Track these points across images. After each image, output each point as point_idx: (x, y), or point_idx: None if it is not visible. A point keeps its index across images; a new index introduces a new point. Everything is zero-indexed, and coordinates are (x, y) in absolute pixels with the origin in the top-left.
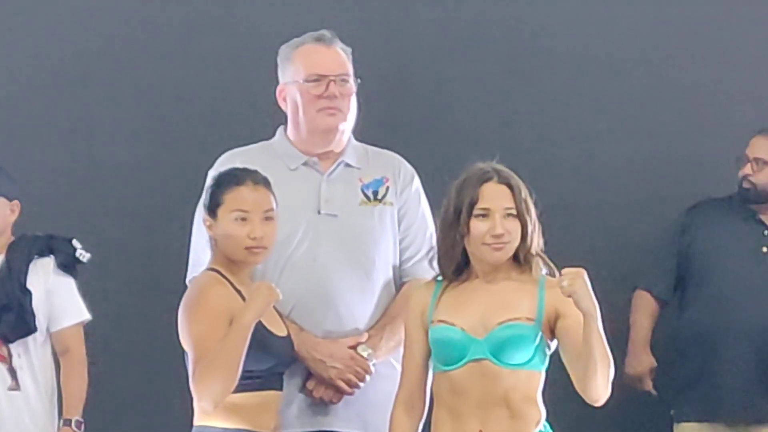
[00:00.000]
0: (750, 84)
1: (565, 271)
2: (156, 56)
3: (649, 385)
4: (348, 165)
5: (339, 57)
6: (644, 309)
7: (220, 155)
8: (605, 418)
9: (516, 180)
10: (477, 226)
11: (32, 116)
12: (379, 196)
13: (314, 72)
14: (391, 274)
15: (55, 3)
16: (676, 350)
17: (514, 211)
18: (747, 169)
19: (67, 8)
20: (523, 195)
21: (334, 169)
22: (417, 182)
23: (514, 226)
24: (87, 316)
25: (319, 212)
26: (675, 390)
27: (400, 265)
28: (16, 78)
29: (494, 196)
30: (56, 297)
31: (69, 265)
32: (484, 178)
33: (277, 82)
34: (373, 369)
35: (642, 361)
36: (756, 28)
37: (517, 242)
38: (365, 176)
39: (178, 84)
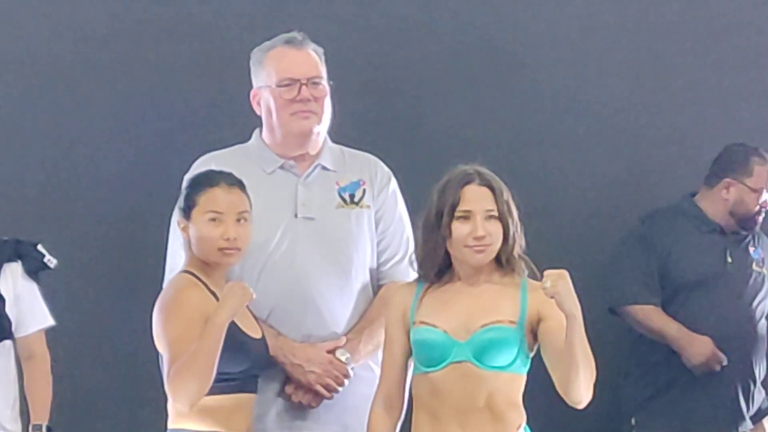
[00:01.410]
0: (727, 92)
1: (547, 272)
2: (133, 60)
3: (722, 357)
4: (324, 168)
5: (310, 59)
6: (655, 312)
7: (196, 159)
8: (588, 421)
9: (498, 182)
10: (458, 228)
11: (9, 118)
12: (356, 199)
13: (286, 76)
14: (368, 276)
15: (38, 6)
16: (642, 361)
17: (495, 213)
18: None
19: (48, 11)
20: (505, 197)
21: (311, 172)
22: (394, 184)
23: (496, 228)
24: (51, 321)
25: (296, 216)
26: (640, 399)
27: (378, 267)
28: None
29: (475, 198)
30: (23, 302)
31: (36, 270)
32: (466, 180)
33: (251, 86)
34: (351, 373)
35: (699, 343)
36: (737, 36)
37: (498, 244)
38: (342, 179)
39: (154, 88)
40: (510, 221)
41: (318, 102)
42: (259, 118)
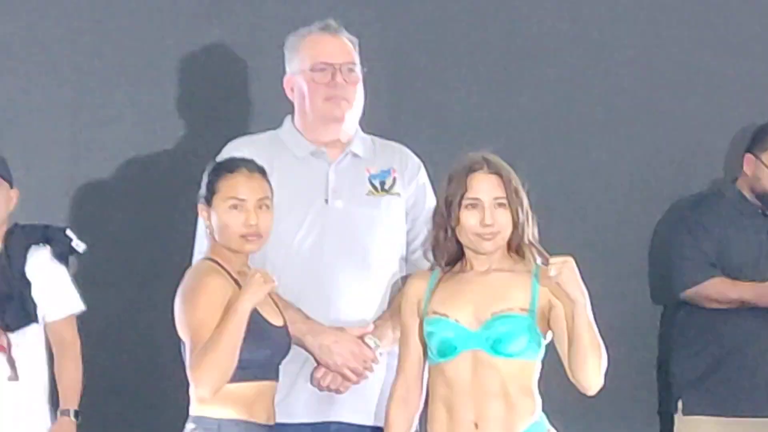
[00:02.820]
0: (741, 80)
1: (553, 259)
2: (160, 44)
3: None
4: (355, 155)
5: (345, 46)
6: (723, 282)
7: (222, 145)
8: (601, 408)
9: (506, 169)
10: (467, 216)
11: (31, 105)
12: (386, 187)
13: (320, 60)
14: (397, 264)
15: None
16: (689, 344)
17: (504, 201)
18: None
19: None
20: (514, 184)
21: (342, 159)
22: (423, 174)
23: (505, 216)
24: (81, 307)
25: (326, 201)
26: (687, 382)
27: (407, 256)
28: (16, 67)
29: (483, 187)
30: (52, 287)
31: (65, 255)
32: (474, 169)
33: (284, 73)
34: (379, 359)
35: None
36: (745, 27)
37: (508, 232)
38: (372, 167)
39: (182, 73)
40: (519, 209)
41: (350, 88)
42: (290, 105)
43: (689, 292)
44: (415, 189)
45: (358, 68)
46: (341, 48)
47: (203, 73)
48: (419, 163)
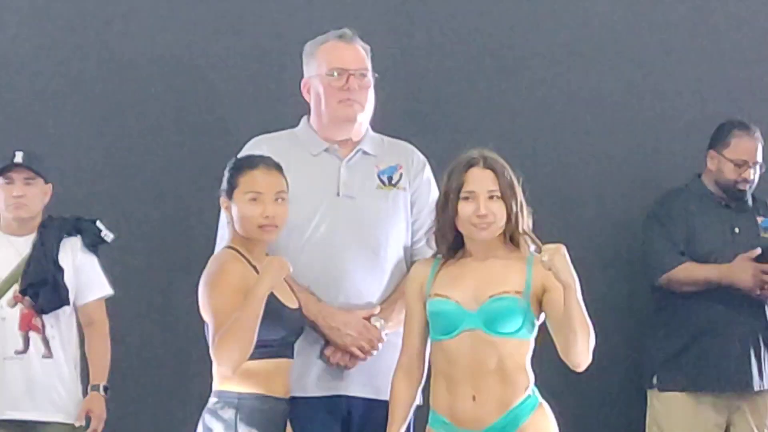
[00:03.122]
0: (718, 83)
1: (545, 246)
2: (186, 48)
3: (766, 267)
4: (366, 153)
5: (359, 53)
6: (692, 265)
7: (243, 142)
8: (589, 383)
9: (501, 165)
10: (463, 207)
11: (64, 103)
12: (394, 182)
13: (336, 66)
14: (401, 253)
15: None
16: (663, 324)
17: (497, 193)
18: (749, 173)
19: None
20: (507, 178)
21: (353, 156)
22: (428, 170)
23: (498, 207)
24: (110, 291)
25: (338, 194)
26: (662, 359)
27: (411, 245)
28: (55, 65)
29: (478, 180)
30: (83, 273)
31: (94, 244)
32: (470, 164)
33: (301, 77)
34: (384, 338)
35: (739, 269)
36: (738, 29)
37: (501, 222)
38: (381, 163)
39: (207, 76)
40: (512, 200)
41: (362, 92)
42: (307, 105)
43: (662, 279)
44: (420, 183)
45: (369, 74)
46: (355, 55)
47: (229, 74)
48: (424, 159)
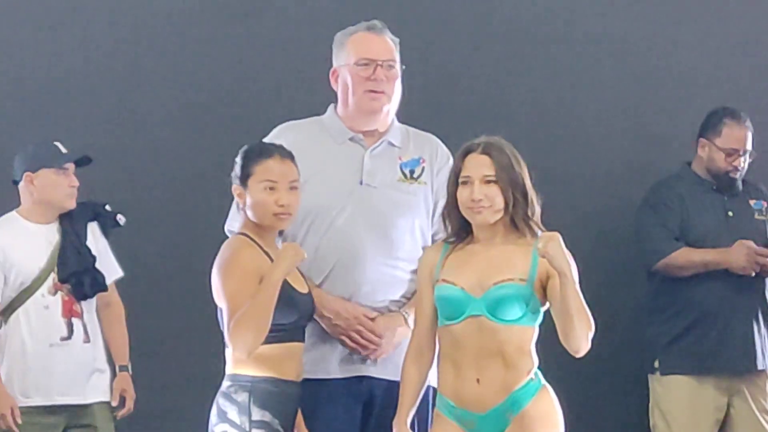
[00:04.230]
0: (711, 76)
1: (541, 234)
2: (206, 38)
3: (761, 250)
4: (390, 143)
5: (387, 44)
6: (688, 250)
7: (255, 131)
8: (592, 368)
9: (499, 150)
10: (461, 192)
11: (79, 92)
12: (415, 175)
13: (364, 56)
14: (420, 246)
15: None
16: (664, 309)
17: (493, 178)
18: (740, 161)
19: None
20: (505, 163)
21: (378, 146)
22: (452, 164)
23: (494, 191)
24: (121, 273)
25: (361, 183)
26: (663, 343)
27: (431, 237)
28: (76, 57)
29: (474, 165)
30: (102, 257)
31: (109, 228)
32: (469, 150)
33: (320, 66)
34: (381, 334)
35: (736, 252)
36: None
37: (498, 206)
38: (405, 155)
39: (234, 63)
40: (509, 186)
41: (390, 83)
42: (334, 94)
43: (659, 264)
44: (443, 179)
45: (397, 65)
46: (384, 46)
47: (255, 64)
48: (448, 153)
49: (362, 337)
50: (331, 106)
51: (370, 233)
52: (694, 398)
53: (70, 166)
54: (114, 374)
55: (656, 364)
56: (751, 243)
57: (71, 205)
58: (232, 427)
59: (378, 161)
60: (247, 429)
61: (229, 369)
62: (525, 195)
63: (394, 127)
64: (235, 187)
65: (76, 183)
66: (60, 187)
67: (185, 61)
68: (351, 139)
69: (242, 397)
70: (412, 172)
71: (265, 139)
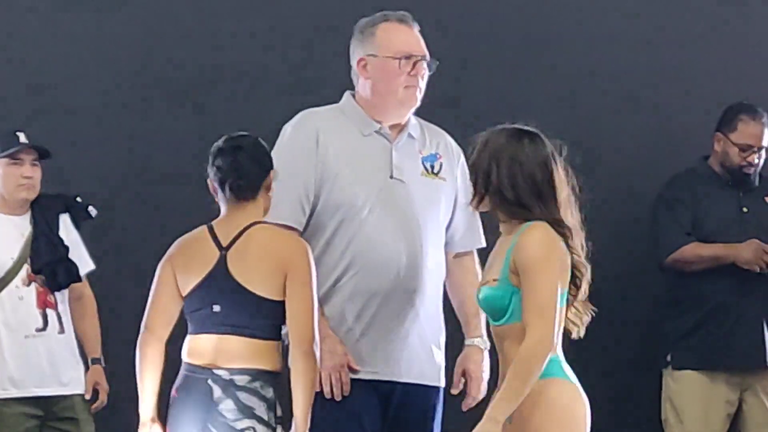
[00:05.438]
0: (725, 73)
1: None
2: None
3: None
4: (411, 136)
5: (420, 38)
6: (698, 245)
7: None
8: (604, 362)
9: (473, 147)
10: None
11: (69, 93)
12: (435, 171)
13: (406, 50)
14: (442, 238)
15: None
16: (676, 304)
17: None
18: (754, 157)
19: None
20: (473, 159)
21: (401, 139)
22: (463, 160)
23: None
24: (93, 265)
25: (391, 177)
26: (674, 338)
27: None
28: (68, 60)
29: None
30: (74, 249)
31: (81, 220)
32: None
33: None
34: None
35: (745, 249)
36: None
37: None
38: (423, 149)
39: (203, 54)
40: (479, 176)
41: (424, 79)
42: (345, 86)
43: (669, 259)
44: (458, 174)
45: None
46: (419, 40)
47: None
48: (459, 150)
49: (340, 388)
50: (348, 94)
51: (400, 228)
52: (706, 393)
53: (27, 157)
54: (87, 367)
55: (669, 358)
56: (758, 242)
57: (25, 196)
58: (260, 423)
59: (402, 155)
60: (273, 425)
61: (241, 363)
62: (497, 190)
63: (412, 120)
64: (210, 181)
65: (30, 174)
66: (11, 177)
67: (161, 52)
68: (378, 132)
69: (269, 393)
70: (432, 167)
71: (288, 126)
